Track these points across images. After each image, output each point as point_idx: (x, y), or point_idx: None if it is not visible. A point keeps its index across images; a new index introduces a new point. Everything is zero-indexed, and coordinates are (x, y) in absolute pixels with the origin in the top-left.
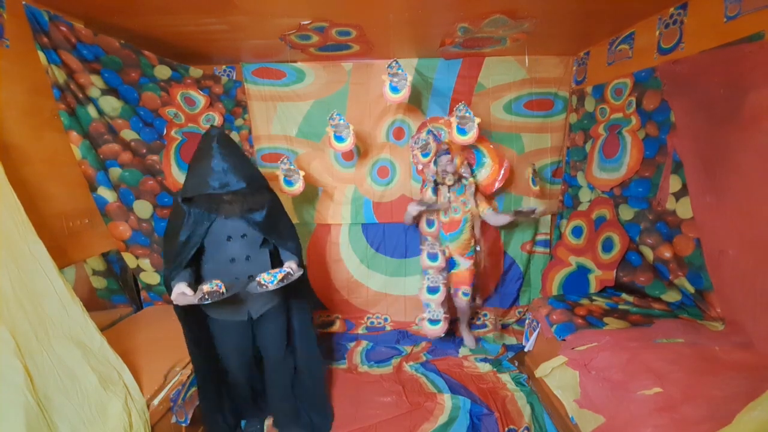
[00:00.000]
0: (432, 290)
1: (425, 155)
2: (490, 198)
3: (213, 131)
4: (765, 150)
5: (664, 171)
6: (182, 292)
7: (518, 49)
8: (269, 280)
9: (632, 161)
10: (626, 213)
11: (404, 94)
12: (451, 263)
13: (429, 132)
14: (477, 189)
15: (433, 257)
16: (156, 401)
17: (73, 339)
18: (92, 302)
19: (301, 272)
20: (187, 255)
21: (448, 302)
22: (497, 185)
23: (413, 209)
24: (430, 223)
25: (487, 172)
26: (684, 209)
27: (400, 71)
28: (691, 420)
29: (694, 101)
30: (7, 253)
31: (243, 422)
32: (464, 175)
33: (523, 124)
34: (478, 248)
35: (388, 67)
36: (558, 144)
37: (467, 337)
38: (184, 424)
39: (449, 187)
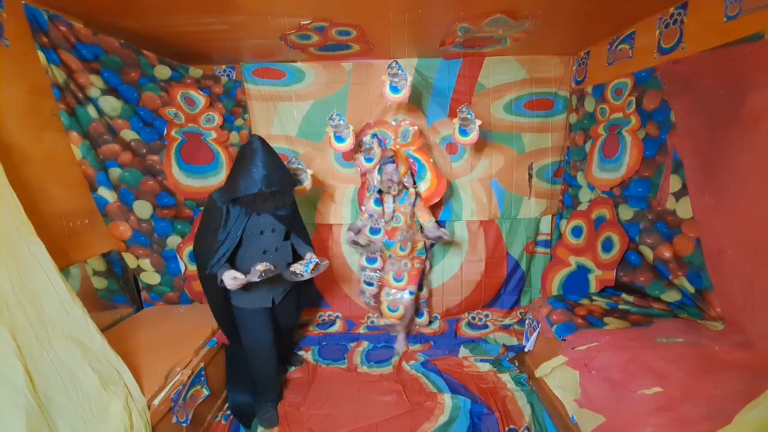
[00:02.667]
0: (368, 283)
1: (368, 160)
2: (429, 209)
3: (255, 137)
4: (765, 150)
5: (664, 171)
6: (234, 277)
7: (518, 49)
8: (303, 270)
9: (632, 161)
10: (626, 213)
11: (404, 94)
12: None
13: (374, 136)
14: (417, 198)
15: (371, 261)
16: (157, 401)
17: (74, 339)
18: (93, 302)
19: (327, 262)
20: (228, 251)
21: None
22: (436, 199)
23: (347, 239)
24: (374, 231)
25: (426, 186)
26: (684, 209)
27: (400, 71)
28: (690, 419)
29: (695, 101)
30: (8, 254)
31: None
32: (406, 184)
33: (524, 124)
34: (424, 250)
35: (388, 67)
36: (558, 144)
37: (401, 341)
38: (184, 425)
39: (393, 196)
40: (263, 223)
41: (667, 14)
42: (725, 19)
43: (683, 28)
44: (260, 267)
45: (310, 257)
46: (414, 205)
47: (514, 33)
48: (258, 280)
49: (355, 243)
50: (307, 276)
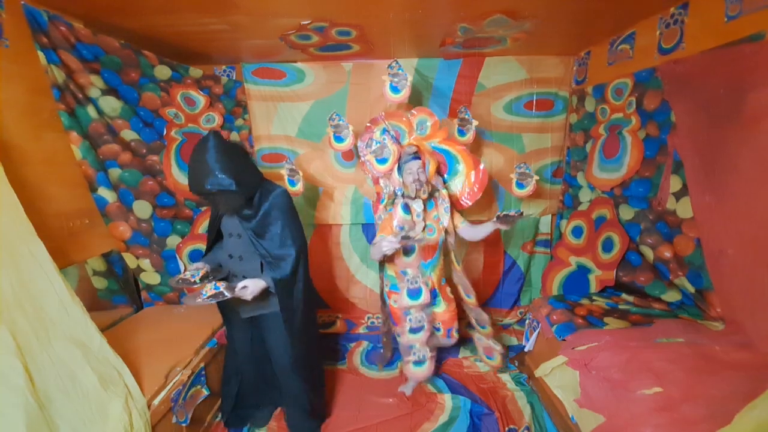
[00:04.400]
0: (415, 330)
1: (382, 161)
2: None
3: (209, 135)
4: (766, 150)
5: (665, 171)
6: (178, 279)
7: (519, 49)
8: (204, 292)
9: (632, 161)
10: (626, 213)
11: (404, 94)
12: (433, 296)
13: (385, 132)
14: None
15: (415, 294)
16: (156, 401)
17: (74, 339)
18: (93, 303)
19: (230, 296)
20: (209, 244)
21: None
22: (475, 197)
23: (389, 247)
24: (408, 251)
25: (461, 181)
26: (684, 209)
27: (400, 71)
28: (691, 419)
29: (695, 101)
30: (7, 254)
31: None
32: (437, 186)
33: (524, 124)
34: (459, 267)
35: (388, 67)
36: (558, 144)
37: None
38: (184, 425)
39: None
40: (231, 225)
41: (667, 14)
42: (726, 20)
43: (684, 28)
44: (181, 276)
45: (243, 284)
46: (449, 210)
47: (515, 33)
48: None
49: (402, 239)
50: (199, 301)
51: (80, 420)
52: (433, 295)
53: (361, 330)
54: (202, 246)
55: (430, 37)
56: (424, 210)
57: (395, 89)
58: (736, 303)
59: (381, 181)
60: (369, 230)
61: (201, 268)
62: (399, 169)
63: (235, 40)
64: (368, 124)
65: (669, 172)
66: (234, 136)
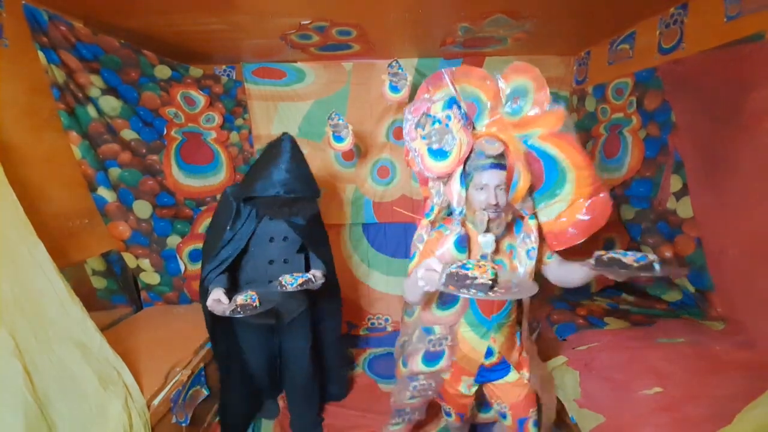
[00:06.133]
0: (414, 398)
1: (438, 155)
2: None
3: (286, 137)
4: (765, 150)
5: (665, 171)
6: (218, 299)
7: (519, 49)
8: (290, 282)
9: (633, 161)
10: (627, 213)
11: (404, 93)
12: (501, 367)
13: (451, 105)
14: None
15: (433, 359)
16: (156, 401)
17: (73, 339)
18: (92, 302)
19: (323, 280)
20: (230, 257)
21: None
22: (576, 240)
23: (428, 281)
24: (446, 302)
25: (560, 208)
26: (685, 209)
27: (400, 71)
28: (691, 419)
29: (695, 101)
30: (7, 254)
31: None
32: (523, 211)
33: None
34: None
35: (388, 66)
36: None
37: None
38: (184, 425)
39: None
40: (275, 230)
41: (667, 14)
42: (725, 20)
43: (683, 28)
44: (239, 300)
45: (312, 273)
46: (535, 249)
47: (515, 33)
48: (230, 315)
49: (446, 281)
50: (290, 288)
51: (80, 420)
52: (501, 366)
53: (362, 331)
54: (202, 246)
55: (430, 37)
56: (499, 242)
57: (395, 89)
58: (736, 303)
59: (431, 184)
60: (369, 230)
61: (249, 293)
62: (464, 175)
63: (235, 39)
64: (425, 85)
65: (670, 171)
66: (234, 136)
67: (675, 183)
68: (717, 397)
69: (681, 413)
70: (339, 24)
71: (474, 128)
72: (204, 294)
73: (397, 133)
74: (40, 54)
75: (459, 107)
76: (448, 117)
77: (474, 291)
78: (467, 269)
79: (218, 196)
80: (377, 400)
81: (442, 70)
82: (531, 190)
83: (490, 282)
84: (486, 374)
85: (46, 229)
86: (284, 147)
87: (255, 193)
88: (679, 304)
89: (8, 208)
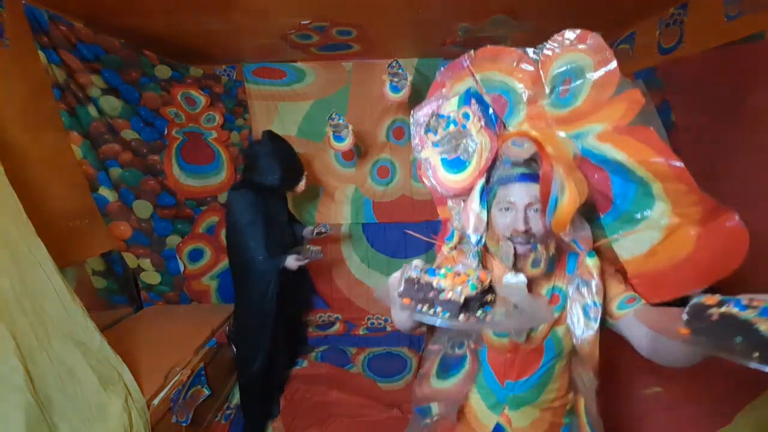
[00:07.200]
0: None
1: (454, 167)
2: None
3: (276, 134)
4: (765, 150)
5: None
6: (297, 258)
7: None
8: (322, 229)
9: None
10: None
11: (404, 93)
12: None
13: (468, 100)
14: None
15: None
16: (156, 401)
17: (73, 339)
18: (92, 302)
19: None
20: (275, 237)
21: None
22: (691, 287)
23: (405, 318)
24: (449, 367)
25: (655, 238)
26: None
27: (400, 71)
28: (691, 419)
29: (695, 101)
30: (7, 254)
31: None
32: (577, 245)
33: None
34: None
35: (388, 66)
36: None
37: None
38: (184, 424)
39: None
40: (280, 210)
41: (667, 14)
42: (725, 19)
43: (683, 28)
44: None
45: (310, 228)
46: (598, 306)
47: (515, 33)
48: (308, 259)
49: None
50: (327, 232)
51: (80, 420)
52: None
53: (361, 331)
54: (202, 246)
55: (430, 37)
56: (537, 273)
57: (395, 89)
58: None
59: (450, 203)
60: (369, 230)
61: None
62: (485, 190)
63: (235, 39)
64: (440, 79)
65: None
66: (234, 136)
67: None
68: (717, 397)
69: (681, 413)
70: (339, 24)
71: (505, 128)
72: (271, 266)
73: (397, 133)
74: (41, 54)
75: (480, 102)
76: (465, 116)
77: (437, 311)
78: (434, 275)
79: (219, 196)
80: (376, 400)
81: (463, 55)
82: (590, 214)
83: (461, 300)
84: None
85: (47, 228)
86: (289, 144)
87: (284, 180)
88: (678, 303)
89: (9, 207)
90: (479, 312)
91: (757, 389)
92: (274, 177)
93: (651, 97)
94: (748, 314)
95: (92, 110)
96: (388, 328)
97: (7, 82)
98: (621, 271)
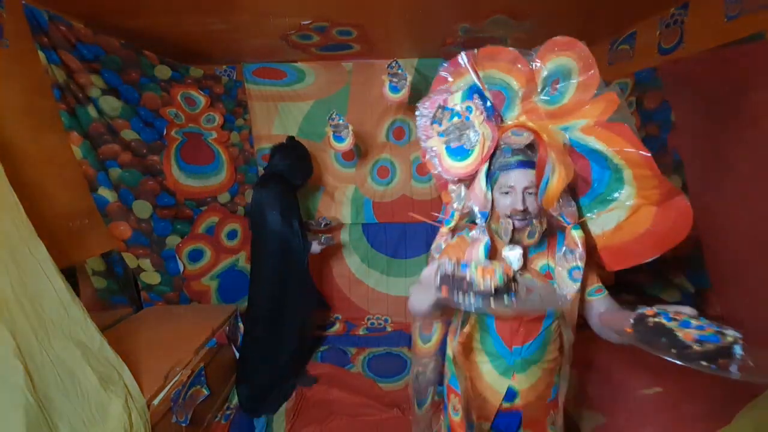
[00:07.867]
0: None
1: (457, 154)
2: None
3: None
4: (765, 150)
5: (665, 170)
6: (320, 243)
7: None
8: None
9: None
10: None
11: (404, 94)
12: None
13: (471, 95)
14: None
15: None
16: (156, 401)
17: (73, 339)
18: (92, 302)
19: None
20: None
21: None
22: (646, 256)
23: (423, 303)
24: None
25: (621, 216)
26: None
27: (400, 71)
28: (691, 419)
29: (695, 101)
30: (7, 254)
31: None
32: (564, 219)
33: None
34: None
35: (388, 66)
36: None
37: None
38: (184, 424)
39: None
40: (298, 204)
41: (667, 14)
42: (725, 20)
43: (683, 28)
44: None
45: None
46: (580, 269)
47: (515, 33)
48: (325, 245)
49: (453, 295)
50: (331, 223)
51: (80, 420)
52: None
53: (361, 331)
54: (202, 246)
55: (430, 37)
56: (525, 257)
57: (395, 89)
58: (735, 302)
59: (451, 187)
60: (369, 230)
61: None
62: (489, 175)
63: (235, 40)
64: (442, 74)
65: (669, 171)
66: (234, 136)
67: (674, 182)
68: (717, 396)
69: (680, 412)
70: (339, 24)
71: (502, 121)
72: (307, 249)
73: (397, 134)
74: (41, 54)
75: (482, 97)
76: (468, 109)
77: (470, 300)
78: (466, 270)
79: (219, 197)
80: (376, 399)
81: (461, 53)
82: (574, 195)
83: (494, 291)
84: (504, 419)
85: (47, 229)
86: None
87: (311, 174)
88: (678, 303)
89: (9, 208)
90: (506, 299)
91: (757, 389)
92: (305, 177)
93: (650, 97)
94: (672, 324)
95: (92, 110)
96: (388, 328)
97: (7, 82)
98: (598, 264)
